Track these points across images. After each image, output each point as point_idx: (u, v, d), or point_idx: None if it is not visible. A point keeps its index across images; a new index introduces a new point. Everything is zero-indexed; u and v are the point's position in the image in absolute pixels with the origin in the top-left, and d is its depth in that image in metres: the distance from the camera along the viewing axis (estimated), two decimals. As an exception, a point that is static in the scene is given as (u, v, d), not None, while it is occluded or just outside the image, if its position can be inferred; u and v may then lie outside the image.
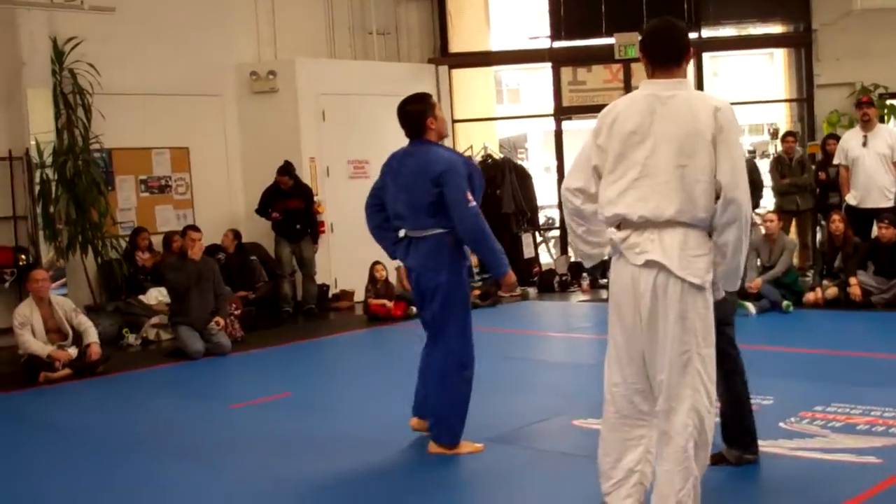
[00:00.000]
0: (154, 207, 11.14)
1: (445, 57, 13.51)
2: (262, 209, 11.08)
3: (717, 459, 4.57)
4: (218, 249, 10.54)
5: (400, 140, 5.40)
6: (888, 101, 12.70)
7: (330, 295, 11.67)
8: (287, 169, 10.92)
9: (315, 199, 11.53)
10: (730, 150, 3.67)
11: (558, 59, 13.45)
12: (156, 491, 4.98)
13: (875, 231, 9.63)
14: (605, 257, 4.07)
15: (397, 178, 5.25)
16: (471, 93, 14.04)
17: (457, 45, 13.78)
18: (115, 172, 10.79)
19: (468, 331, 5.25)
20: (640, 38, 4.09)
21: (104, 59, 10.12)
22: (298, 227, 11.03)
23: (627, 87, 13.28)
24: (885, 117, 12.36)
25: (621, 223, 3.83)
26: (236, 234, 10.92)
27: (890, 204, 9.76)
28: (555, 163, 13.92)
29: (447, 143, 12.98)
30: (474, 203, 5.07)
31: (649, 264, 3.74)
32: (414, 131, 5.27)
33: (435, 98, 5.45)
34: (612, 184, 3.82)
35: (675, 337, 3.70)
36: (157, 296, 9.90)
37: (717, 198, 3.70)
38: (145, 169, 11.08)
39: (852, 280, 9.38)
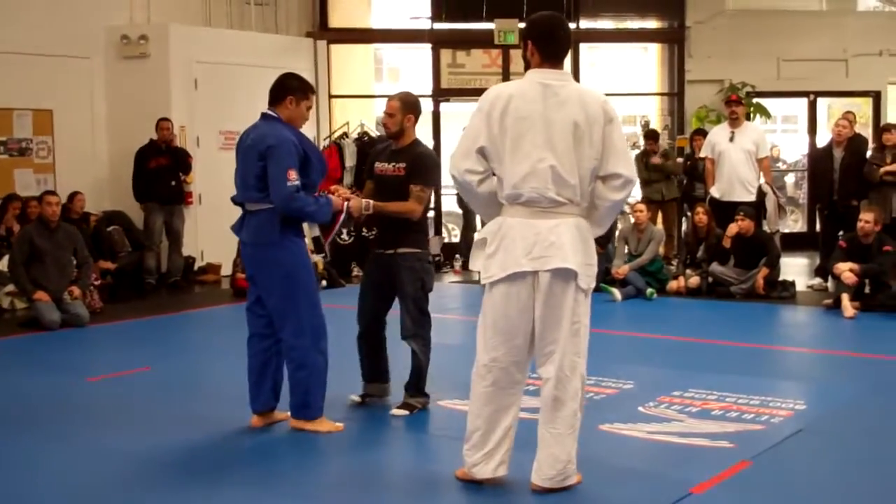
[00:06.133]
0: (13, 171, 10.65)
1: (324, 31, 13.32)
2: (139, 171, 10.74)
3: (409, 408, 5.49)
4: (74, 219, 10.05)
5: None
6: (754, 100, 13.16)
7: (196, 268, 11.41)
8: (167, 119, 10.75)
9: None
10: (621, 136, 4.10)
11: (439, 41, 13.44)
12: (2, 465, 4.78)
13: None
14: None
15: (242, 152, 5.19)
16: (349, 69, 13.88)
17: (337, 20, 13.61)
18: (-27, 133, 10.32)
19: (314, 299, 5.19)
20: (526, 26, 4.21)
21: (-34, 14, 9.64)
22: (173, 183, 10.77)
23: (506, 73, 13.36)
24: (752, 115, 12.78)
25: (519, 204, 4.04)
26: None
27: (752, 198, 10.07)
28: (432, 143, 13.89)
29: (324, 120, 12.85)
30: (294, 182, 4.97)
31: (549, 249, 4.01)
32: (271, 98, 5.21)
33: (313, 83, 5.36)
34: (514, 167, 4.02)
35: (571, 310, 4.03)
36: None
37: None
38: (5, 130, 10.59)
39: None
